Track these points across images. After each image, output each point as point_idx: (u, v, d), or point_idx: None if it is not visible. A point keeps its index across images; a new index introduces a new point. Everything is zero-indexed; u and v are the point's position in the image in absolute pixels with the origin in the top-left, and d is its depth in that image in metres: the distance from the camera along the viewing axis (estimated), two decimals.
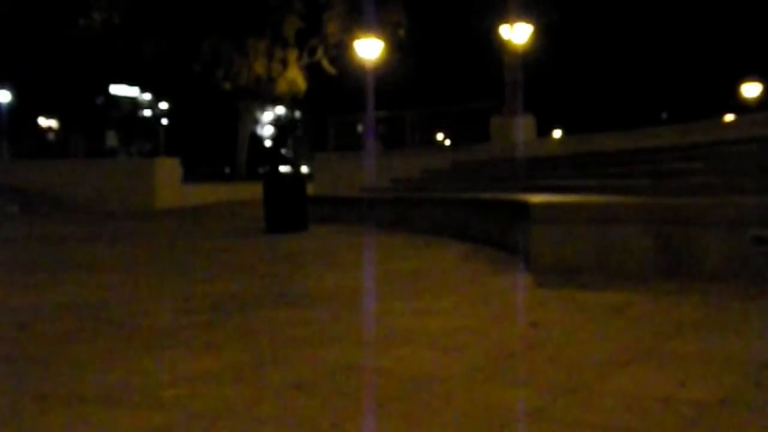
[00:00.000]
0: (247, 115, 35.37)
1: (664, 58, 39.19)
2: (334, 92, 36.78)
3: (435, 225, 11.70)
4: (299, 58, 33.33)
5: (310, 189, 17.71)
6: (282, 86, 33.27)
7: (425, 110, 24.33)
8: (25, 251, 10.29)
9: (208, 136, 57.92)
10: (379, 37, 25.84)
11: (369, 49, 25.31)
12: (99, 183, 24.89)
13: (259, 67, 32.35)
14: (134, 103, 67.71)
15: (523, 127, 19.42)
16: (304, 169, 56.75)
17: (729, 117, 23.15)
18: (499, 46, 21.97)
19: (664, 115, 43.85)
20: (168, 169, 25.40)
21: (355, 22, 29.58)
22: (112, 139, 46.95)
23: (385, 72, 28.59)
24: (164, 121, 56.31)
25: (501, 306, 5.10)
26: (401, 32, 31.91)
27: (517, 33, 21.05)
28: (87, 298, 5.64)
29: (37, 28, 35.70)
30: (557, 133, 39.05)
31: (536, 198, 7.20)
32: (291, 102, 41.13)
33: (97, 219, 18.96)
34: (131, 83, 62.87)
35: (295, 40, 32.73)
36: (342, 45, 32.01)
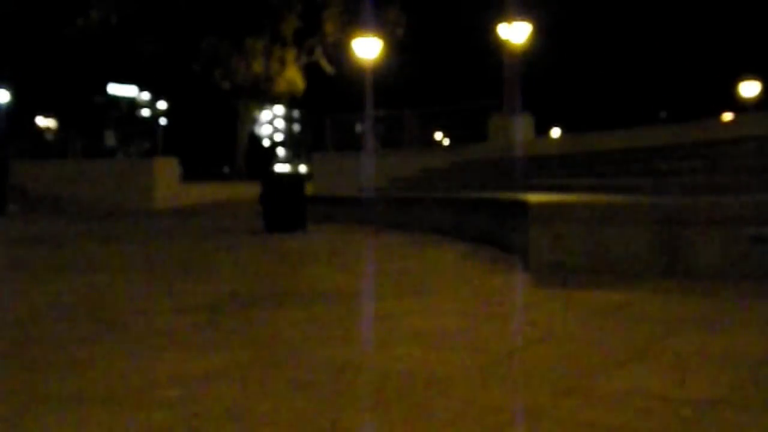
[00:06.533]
0: (246, 114, 35.37)
1: (663, 57, 39.30)
2: (333, 92, 36.82)
3: (434, 224, 11.71)
4: (297, 57, 33.34)
5: (309, 189, 17.71)
6: (280, 85, 33.29)
7: (424, 110, 24.33)
8: (25, 251, 10.28)
9: (207, 136, 57.95)
10: (377, 37, 25.84)
11: (367, 48, 25.32)
12: (98, 183, 24.88)
13: (258, 67, 32.36)
14: (133, 103, 67.72)
15: (521, 126, 19.43)
16: (303, 168, 56.71)
17: (728, 116, 23.19)
18: (497, 46, 21.99)
19: (663, 114, 43.94)
20: (167, 168, 25.39)
21: (354, 21, 29.60)
22: (110, 139, 46.95)
23: (384, 71, 28.59)
24: (163, 121, 56.26)
25: (500, 305, 5.11)
26: (400, 31, 31.91)
27: (516, 32, 21.06)
28: (87, 297, 5.64)
29: (35, 27, 35.69)
30: (556, 132, 39.08)
31: (535, 197, 7.20)
32: (289, 101, 41.15)
33: (96, 219, 18.96)
34: (129, 83, 62.87)
35: (293, 40, 32.75)
36: (340, 44, 32.02)
